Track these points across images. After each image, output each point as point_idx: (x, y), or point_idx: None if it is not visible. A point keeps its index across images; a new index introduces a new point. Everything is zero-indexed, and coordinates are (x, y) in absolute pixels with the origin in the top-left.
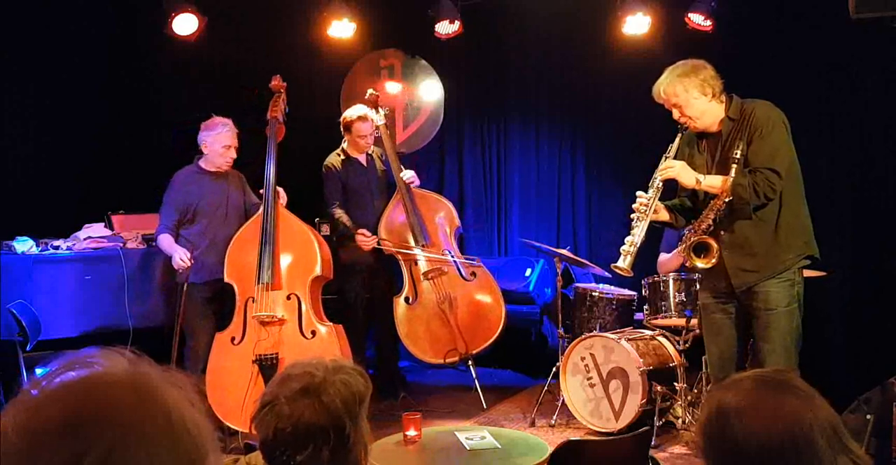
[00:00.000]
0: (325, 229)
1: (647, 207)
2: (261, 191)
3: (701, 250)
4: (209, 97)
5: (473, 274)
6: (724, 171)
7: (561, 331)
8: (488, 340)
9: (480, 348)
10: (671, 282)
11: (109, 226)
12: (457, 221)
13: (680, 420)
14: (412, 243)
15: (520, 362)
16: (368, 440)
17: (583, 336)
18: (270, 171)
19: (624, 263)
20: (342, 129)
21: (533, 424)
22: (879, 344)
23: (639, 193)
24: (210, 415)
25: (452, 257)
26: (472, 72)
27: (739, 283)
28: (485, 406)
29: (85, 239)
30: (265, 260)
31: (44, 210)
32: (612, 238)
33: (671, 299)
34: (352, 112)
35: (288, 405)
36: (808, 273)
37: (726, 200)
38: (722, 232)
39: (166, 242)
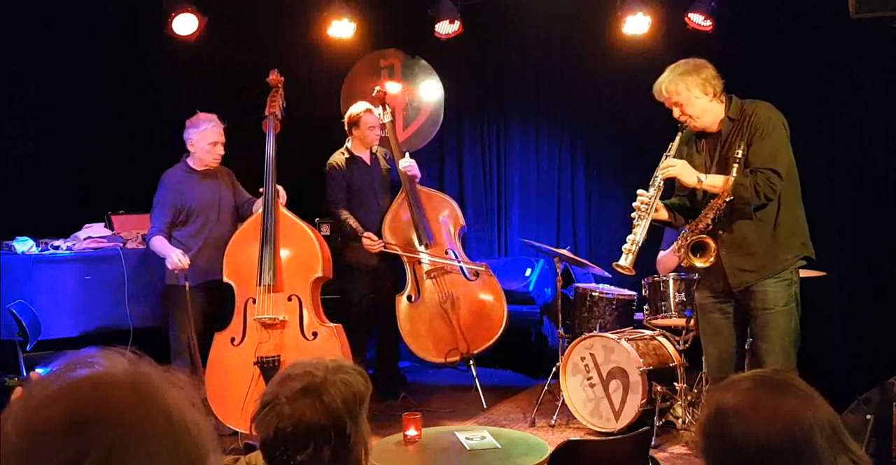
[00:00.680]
0: (325, 229)
1: (649, 205)
2: (261, 190)
3: (698, 249)
4: (209, 97)
5: (476, 274)
6: (723, 171)
7: (561, 331)
8: (489, 340)
9: (482, 349)
10: (671, 282)
11: (109, 226)
12: (461, 221)
13: (680, 420)
14: (416, 241)
15: (520, 362)
16: (369, 440)
17: (583, 336)
18: (270, 169)
19: (626, 261)
20: (348, 126)
21: (533, 424)
22: (879, 344)
23: (640, 191)
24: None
25: (456, 256)
26: (472, 72)
27: (737, 283)
28: (485, 406)
29: (85, 239)
30: (266, 261)
31: (44, 210)
32: (612, 238)
33: (671, 299)
34: (357, 108)
35: (289, 405)
36: (807, 273)
37: (727, 199)
38: (721, 232)
39: (160, 243)
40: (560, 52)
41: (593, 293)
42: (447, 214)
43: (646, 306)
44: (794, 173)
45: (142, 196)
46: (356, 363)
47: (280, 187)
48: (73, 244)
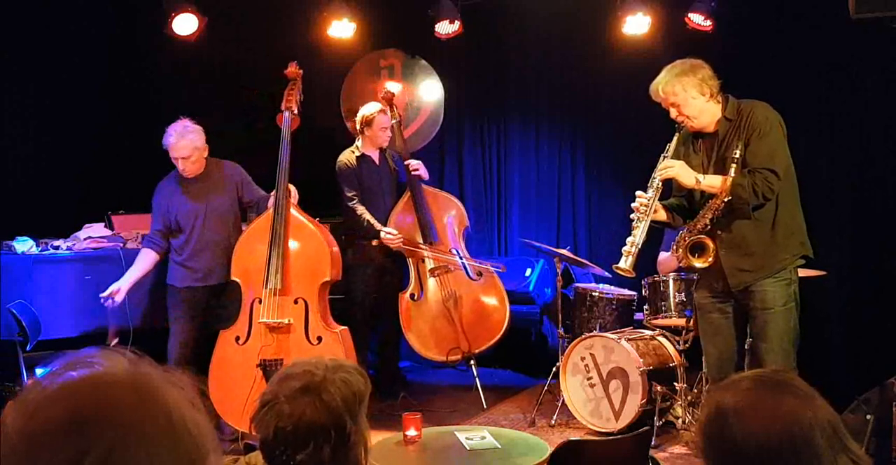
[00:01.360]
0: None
1: (647, 207)
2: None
3: (697, 249)
4: (209, 97)
5: (479, 274)
6: (720, 171)
7: (561, 331)
8: (491, 340)
9: (483, 348)
10: (671, 282)
11: (109, 226)
12: (466, 221)
13: (680, 420)
14: (420, 240)
15: (520, 362)
16: (368, 439)
17: (583, 336)
18: (283, 167)
19: (625, 263)
20: (360, 126)
21: (533, 424)
22: (879, 344)
23: (638, 193)
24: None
25: (460, 256)
26: (472, 72)
27: (736, 282)
28: (485, 406)
29: (85, 239)
30: (273, 264)
31: (44, 210)
32: (612, 238)
33: (671, 299)
34: (370, 108)
35: (288, 404)
36: (807, 273)
37: (725, 199)
38: (720, 232)
39: (136, 261)
40: (560, 52)
41: (593, 293)
42: (453, 215)
43: (646, 306)
44: (791, 173)
45: (142, 196)
46: (357, 362)
47: (292, 186)
48: (73, 244)
